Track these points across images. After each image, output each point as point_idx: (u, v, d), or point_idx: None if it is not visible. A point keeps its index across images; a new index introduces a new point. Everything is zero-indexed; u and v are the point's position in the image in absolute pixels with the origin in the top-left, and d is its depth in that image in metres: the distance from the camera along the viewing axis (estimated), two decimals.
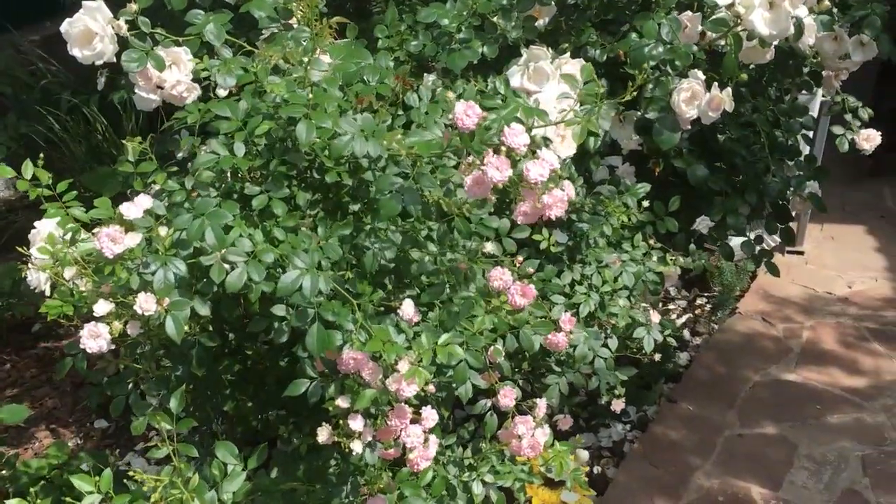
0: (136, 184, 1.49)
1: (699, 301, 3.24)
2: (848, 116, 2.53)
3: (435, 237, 1.36)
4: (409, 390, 1.11)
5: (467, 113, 1.11)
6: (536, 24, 1.93)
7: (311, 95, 1.27)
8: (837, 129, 2.54)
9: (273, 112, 1.30)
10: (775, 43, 1.59)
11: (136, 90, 1.58)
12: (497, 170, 1.10)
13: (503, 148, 1.11)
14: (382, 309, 1.31)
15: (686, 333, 3.05)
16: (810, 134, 3.07)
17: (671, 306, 3.25)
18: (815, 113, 3.06)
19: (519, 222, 1.21)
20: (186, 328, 1.20)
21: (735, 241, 2.14)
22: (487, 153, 1.17)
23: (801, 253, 3.34)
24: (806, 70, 2.13)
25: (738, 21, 1.48)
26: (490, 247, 1.38)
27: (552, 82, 1.65)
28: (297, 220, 1.37)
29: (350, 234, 1.29)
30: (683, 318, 3.15)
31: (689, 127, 1.74)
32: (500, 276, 1.27)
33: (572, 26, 2.04)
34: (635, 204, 1.79)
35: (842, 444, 2.35)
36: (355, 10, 2.38)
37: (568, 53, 1.73)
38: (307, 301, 1.19)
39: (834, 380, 2.63)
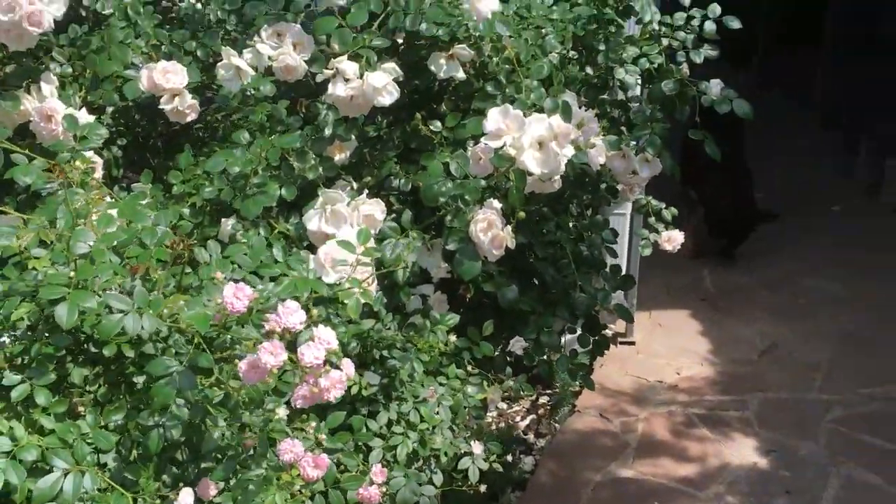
0: None
1: (543, 399, 3.27)
2: (652, 219, 2.68)
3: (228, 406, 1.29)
4: None
5: (237, 296, 1.08)
6: (337, 158, 1.94)
7: (72, 273, 1.19)
8: (643, 233, 2.68)
9: (33, 291, 1.21)
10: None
11: None
12: (271, 355, 1.06)
13: (277, 329, 1.08)
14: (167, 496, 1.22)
15: (531, 436, 3.07)
16: (626, 235, 3.23)
17: (516, 407, 3.27)
18: (628, 213, 3.23)
19: (297, 406, 1.16)
20: None
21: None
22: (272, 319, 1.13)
23: (633, 343, 3.46)
24: (603, 186, 2.24)
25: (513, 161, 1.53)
26: (282, 412, 1.32)
27: (348, 224, 1.65)
28: (75, 399, 1.27)
29: (126, 416, 1.20)
30: (528, 420, 3.17)
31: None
32: (291, 449, 1.21)
33: (376, 157, 2.06)
34: (445, 335, 1.79)
35: None
36: (165, 146, 2.31)
37: (365, 193, 1.74)
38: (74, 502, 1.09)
39: (668, 472, 2.69)
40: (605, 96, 2.19)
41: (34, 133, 1.80)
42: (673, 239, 2.63)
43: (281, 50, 1.88)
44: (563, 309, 2.06)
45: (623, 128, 2.18)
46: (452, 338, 1.77)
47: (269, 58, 1.89)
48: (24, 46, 1.75)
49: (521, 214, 1.57)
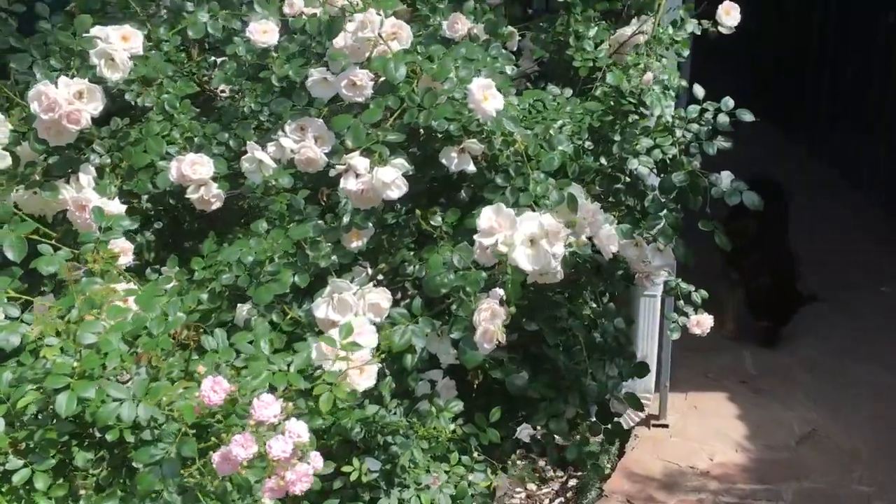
0: None
1: (572, 482, 3.24)
2: (680, 302, 2.66)
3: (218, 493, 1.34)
4: None
5: (214, 389, 1.14)
6: (354, 245, 2.00)
7: (76, 363, 1.27)
8: (672, 316, 2.66)
9: (41, 379, 1.30)
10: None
11: None
12: (242, 447, 1.11)
13: (251, 422, 1.13)
14: None
15: None
16: (657, 317, 3.21)
17: (545, 489, 3.24)
18: (659, 294, 3.22)
19: (265, 498, 1.21)
20: None
21: None
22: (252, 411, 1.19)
23: (666, 426, 3.41)
24: (619, 273, 2.26)
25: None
26: (269, 501, 1.36)
27: (353, 313, 1.71)
28: (78, 481, 1.34)
29: (120, 500, 1.27)
30: (556, 503, 3.14)
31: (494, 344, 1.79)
32: None
33: (393, 244, 2.13)
34: (448, 422, 1.81)
35: None
36: (206, 227, 2.41)
37: (372, 281, 1.80)
38: None
39: None
40: (619, 185, 2.23)
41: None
42: (702, 323, 2.61)
43: (303, 143, 1.98)
44: (574, 396, 2.07)
45: (638, 214, 2.21)
46: (452, 426, 1.79)
47: (292, 150, 1.99)
48: (64, 142, 1.89)
49: (513, 310, 1.61)
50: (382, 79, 1.99)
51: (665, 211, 2.09)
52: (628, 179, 2.23)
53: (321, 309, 1.74)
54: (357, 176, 1.79)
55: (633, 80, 2.15)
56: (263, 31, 2.15)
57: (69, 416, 1.28)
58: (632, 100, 2.23)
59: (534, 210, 1.84)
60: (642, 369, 2.23)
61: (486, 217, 1.58)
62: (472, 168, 1.95)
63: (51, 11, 2.22)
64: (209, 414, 1.26)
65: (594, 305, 2.21)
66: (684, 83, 2.35)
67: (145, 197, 2.16)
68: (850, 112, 5.98)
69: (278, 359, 1.43)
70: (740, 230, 4.00)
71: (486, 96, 1.79)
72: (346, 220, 1.96)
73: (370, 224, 2.01)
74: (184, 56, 2.45)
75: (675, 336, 2.63)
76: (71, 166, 2.01)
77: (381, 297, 1.76)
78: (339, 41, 2.06)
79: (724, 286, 4.04)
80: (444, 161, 1.95)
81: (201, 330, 1.64)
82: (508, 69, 2.31)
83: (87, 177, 1.96)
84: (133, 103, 2.22)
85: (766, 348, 3.98)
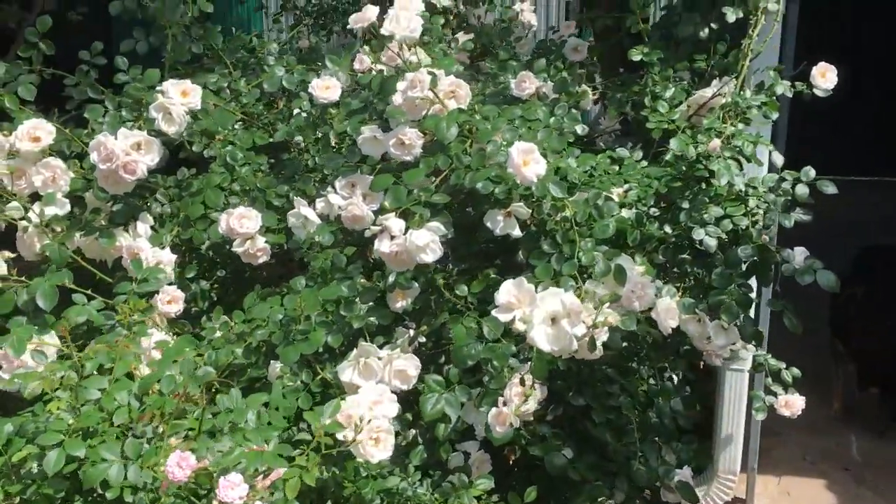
0: None
1: None
2: (768, 380, 2.45)
3: None
4: None
5: (180, 465, 1.11)
6: (399, 305, 1.95)
7: (71, 420, 1.28)
8: (758, 395, 2.45)
9: (40, 433, 1.31)
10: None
11: None
12: None
13: (215, 502, 1.10)
14: None
15: None
16: (744, 393, 2.97)
17: None
18: (747, 369, 2.99)
19: None
20: None
21: None
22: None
23: None
24: (685, 347, 2.10)
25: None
26: None
27: (376, 379, 1.66)
28: None
29: None
30: None
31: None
32: None
33: (439, 305, 2.07)
34: (472, 499, 1.72)
35: None
36: (264, 278, 2.43)
37: (399, 348, 1.75)
38: None
39: None
40: (685, 255, 2.08)
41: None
42: (791, 404, 2.42)
43: (350, 200, 1.97)
44: (622, 479, 1.93)
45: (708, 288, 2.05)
46: None
47: (339, 207, 1.98)
48: (121, 191, 1.95)
49: (530, 392, 1.51)
50: (435, 138, 1.95)
51: (732, 286, 1.92)
52: (700, 248, 2.09)
53: (346, 373, 1.70)
54: (392, 238, 1.75)
55: (700, 146, 2.01)
56: (325, 88, 2.17)
57: (66, 473, 1.29)
58: (707, 164, 2.09)
59: (576, 280, 1.75)
60: (702, 457, 2.05)
61: (506, 291, 1.49)
62: (517, 233, 1.88)
63: (143, 62, 2.32)
64: (191, 486, 1.23)
65: (652, 382, 2.06)
66: (770, 147, 2.19)
67: (206, 245, 2.20)
68: None
69: (256, 434, 1.38)
70: (851, 296, 3.69)
71: (527, 161, 1.72)
72: (391, 279, 1.92)
73: (415, 284, 1.96)
74: (261, 108, 2.52)
75: (760, 417, 2.44)
76: (133, 214, 2.08)
77: (409, 364, 1.70)
78: (398, 99, 2.04)
79: (830, 359, 3.73)
80: (488, 224, 1.88)
81: (231, 385, 1.63)
82: (579, 129, 2.24)
83: (143, 225, 2.02)
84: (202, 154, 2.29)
85: (879, 433, 3.62)
